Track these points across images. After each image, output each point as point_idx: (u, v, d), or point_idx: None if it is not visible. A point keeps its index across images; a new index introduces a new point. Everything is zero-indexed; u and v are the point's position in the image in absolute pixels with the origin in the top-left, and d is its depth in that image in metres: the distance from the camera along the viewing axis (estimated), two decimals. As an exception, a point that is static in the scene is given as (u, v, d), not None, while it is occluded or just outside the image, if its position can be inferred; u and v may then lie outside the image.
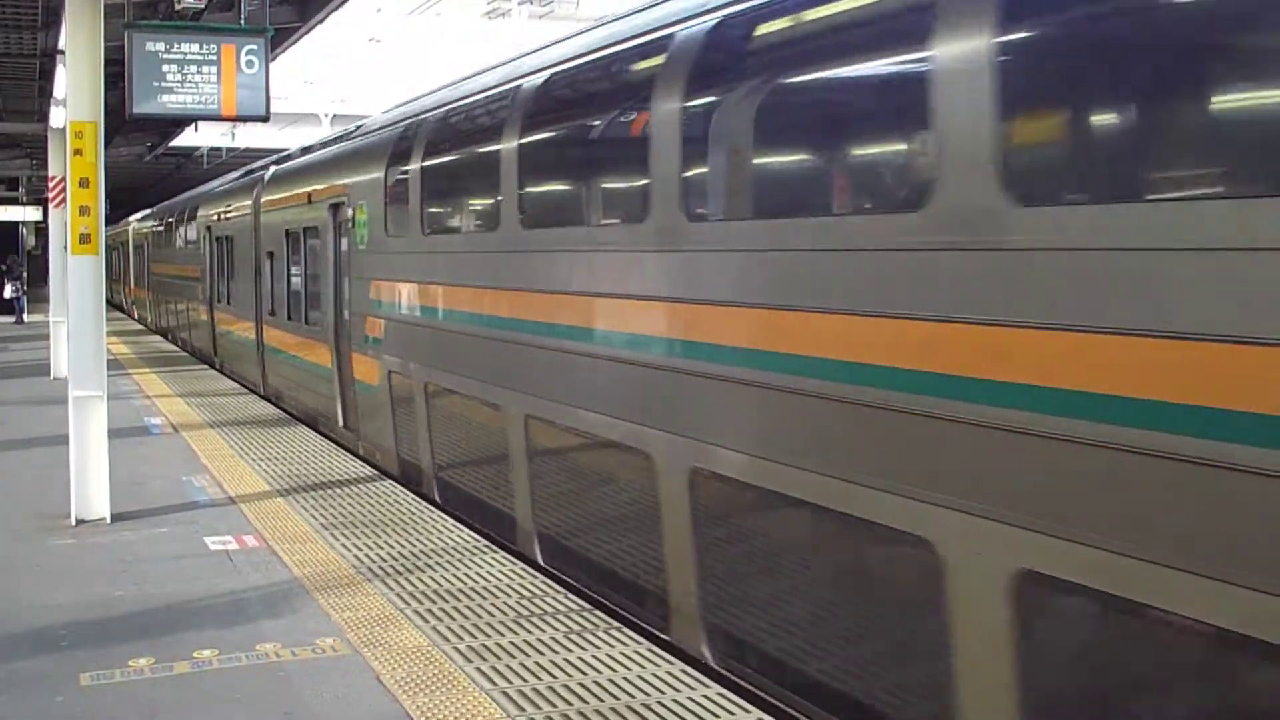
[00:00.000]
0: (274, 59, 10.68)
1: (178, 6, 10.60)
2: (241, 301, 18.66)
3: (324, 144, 15.79)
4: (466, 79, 10.38)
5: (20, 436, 13.15)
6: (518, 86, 8.51)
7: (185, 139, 30.92)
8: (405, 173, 10.50)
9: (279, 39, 14.05)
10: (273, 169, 17.60)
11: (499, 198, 8.46)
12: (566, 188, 8.38)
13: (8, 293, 34.39)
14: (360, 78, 34.00)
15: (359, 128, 13.83)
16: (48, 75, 17.81)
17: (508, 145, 8.35)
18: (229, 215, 19.78)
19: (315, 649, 6.15)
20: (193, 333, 24.44)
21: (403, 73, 31.52)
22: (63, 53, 10.59)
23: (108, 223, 11.73)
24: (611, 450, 7.10)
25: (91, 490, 9.03)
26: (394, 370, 10.88)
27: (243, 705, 5.46)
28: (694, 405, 6.11)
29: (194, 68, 9.53)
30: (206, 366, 21.31)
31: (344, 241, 12.43)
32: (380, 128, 12.27)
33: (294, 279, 15.21)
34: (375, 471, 11.06)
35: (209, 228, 21.51)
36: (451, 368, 9.53)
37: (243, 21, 10.79)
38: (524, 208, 8.16)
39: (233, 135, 34.97)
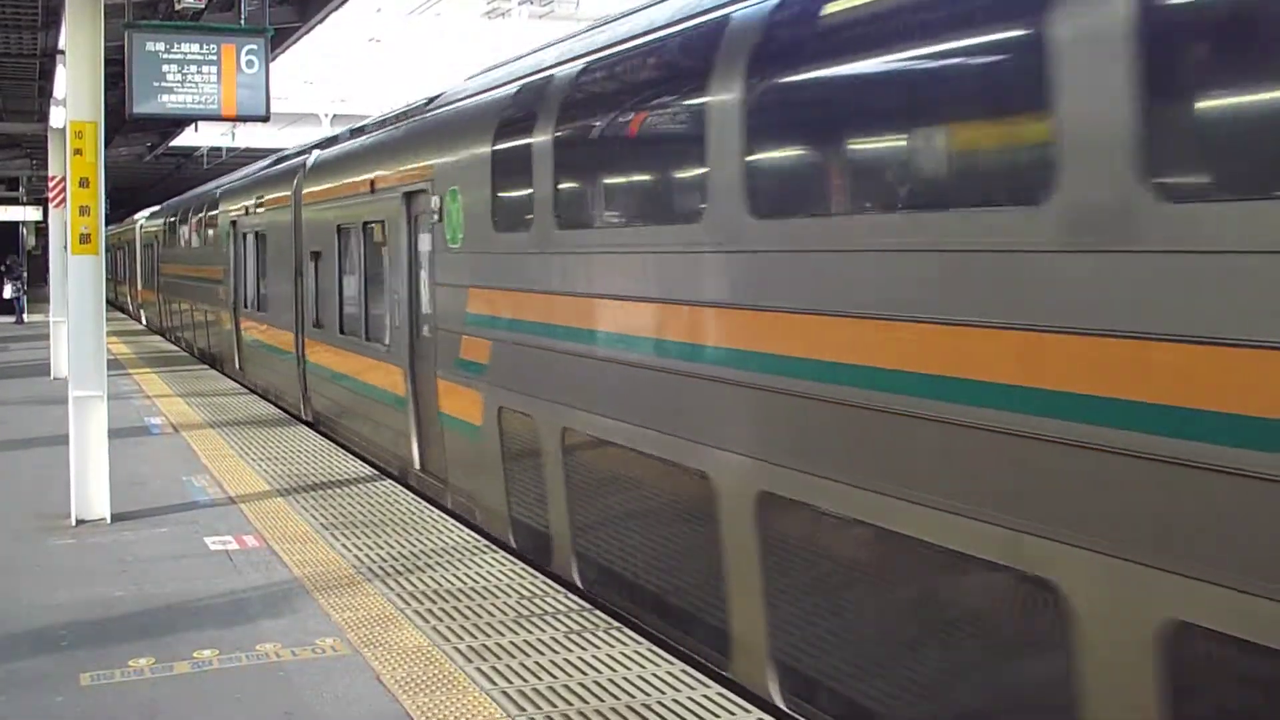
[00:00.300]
0: (274, 59, 10.66)
1: (178, 6, 10.60)
2: (276, 309, 16.11)
3: (382, 122, 12.89)
4: (609, 22, 8.03)
5: (20, 436, 13.15)
6: (726, 18, 5.99)
7: (185, 139, 30.94)
8: (527, 147, 7.93)
9: (279, 39, 14.04)
10: (316, 154, 14.89)
11: (703, 175, 5.94)
12: (857, 157, 5.32)
13: (7, 293, 34.41)
14: (360, 78, 34.01)
15: (437, 98, 11.03)
16: (48, 75, 17.80)
17: (719, 100, 5.78)
18: (260, 209, 17.08)
19: (315, 649, 6.15)
20: (211, 341, 21.81)
21: (403, 72, 31.55)
22: (63, 53, 10.60)
23: (108, 222, 11.67)
24: (944, 559, 4.47)
25: (91, 490, 9.03)
26: (508, 407, 8.36)
27: (243, 705, 5.46)
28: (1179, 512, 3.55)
29: (194, 68, 9.53)
30: (206, 367, 21.22)
31: (424, 239, 10.03)
32: (478, 93, 9.48)
33: (349, 285, 12.69)
34: (375, 471, 11.03)
35: (234, 223, 18.88)
36: (613, 412, 6.89)
37: (243, 21, 10.79)
38: (759, 189, 5.61)
39: (233, 135, 35.01)
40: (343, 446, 12.42)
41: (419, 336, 10.23)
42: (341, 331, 12.89)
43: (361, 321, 12.13)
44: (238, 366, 19.12)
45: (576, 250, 7.38)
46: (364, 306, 12.08)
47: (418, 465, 10.49)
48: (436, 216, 9.54)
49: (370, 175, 11.56)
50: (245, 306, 18.43)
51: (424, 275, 10.10)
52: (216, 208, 20.75)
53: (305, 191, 14.46)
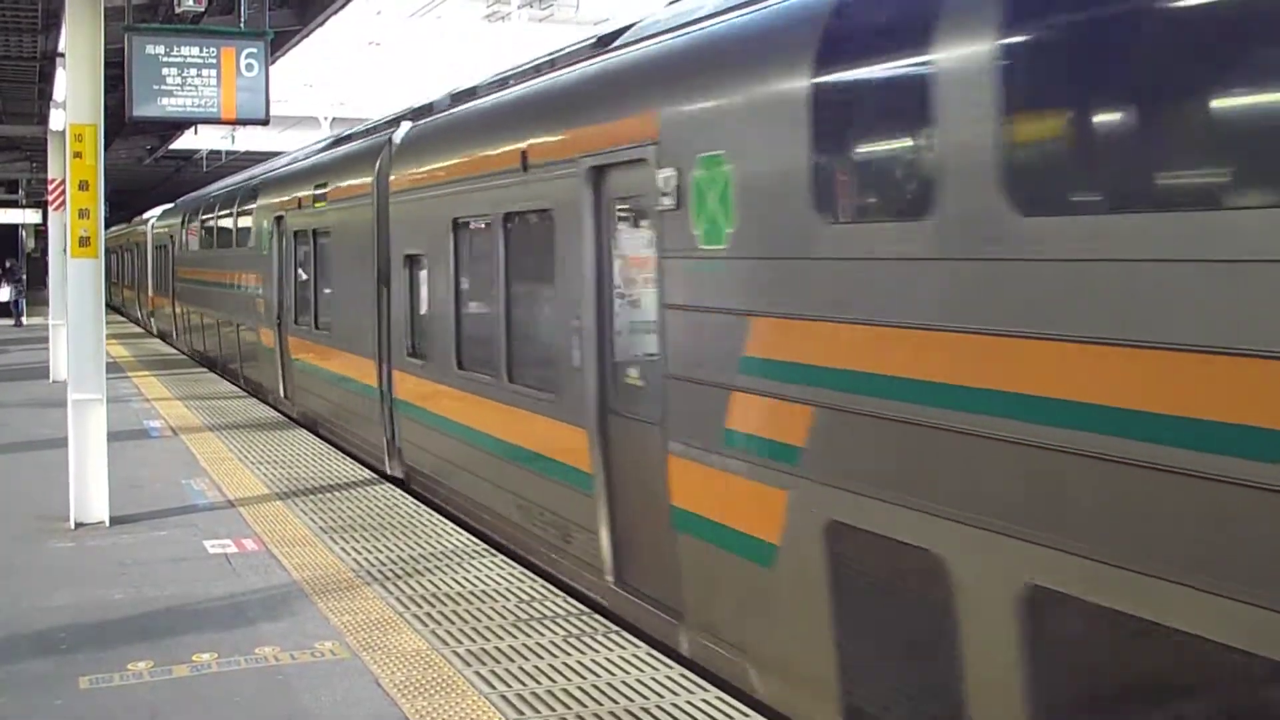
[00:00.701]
0: (273, 62, 10.65)
1: (178, 9, 10.60)
2: (345, 328, 12.64)
3: (519, 74, 9.48)
4: None
5: (20, 439, 13.15)
6: None
7: (185, 142, 31.05)
8: (911, 72, 4.71)
9: (279, 42, 14.06)
10: (408, 127, 11.37)
11: None
12: None
13: (5, 295, 34.42)
14: (360, 80, 34.04)
15: (633, 27, 7.74)
16: (48, 78, 17.82)
17: None
18: (320, 202, 13.60)
19: (314, 652, 6.14)
20: (244, 360, 18.44)
21: (403, 76, 31.57)
22: (63, 55, 10.61)
23: (108, 225, 11.60)
24: None
25: (90, 493, 9.03)
26: (860, 527, 4.87)
27: (242, 708, 5.46)
28: None
29: (194, 71, 9.53)
30: (205, 370, 21.13)
31: (630, 235, 6.95)
32: (740, 6, 6.12)
33: (475, 302, 9.35)
34: (374, 474, 10.99)
35: (279, 220, 15.52)
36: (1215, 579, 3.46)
37: (242, 25, 10.79)
38: None
39: (232, 138, 35.10)
40: (459, 522, 9.21)
41: (618, 384, 6.99)
42: (461, 366, 9.36)
43: (500, 355, 8.50)
44: (283, 394, 15.69)
45: (1097, 253, 3.82)
46: (505, 333, 8.49)
47: (611, 575, 7.04)
48: (670, 201, 6.10)
49: (518, 144, 8.11)
50: (295, 322, 14.92)
51: (632, 290, 6.93)
52: (254, 201, 17.38)
53: (395, 176, 10.95)
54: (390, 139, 11.43)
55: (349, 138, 14.43)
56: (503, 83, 9.64)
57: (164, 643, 6.32)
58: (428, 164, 10.25)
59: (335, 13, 13.93)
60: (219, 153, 36.86)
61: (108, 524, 8.99)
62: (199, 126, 26.00)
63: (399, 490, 10.21)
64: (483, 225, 8.99)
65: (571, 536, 7.54)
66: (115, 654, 6.14)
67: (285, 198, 15.40)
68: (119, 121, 16.49)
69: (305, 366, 14.63)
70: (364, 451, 12.09)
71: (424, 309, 10.31)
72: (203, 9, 10.85)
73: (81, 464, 9.02)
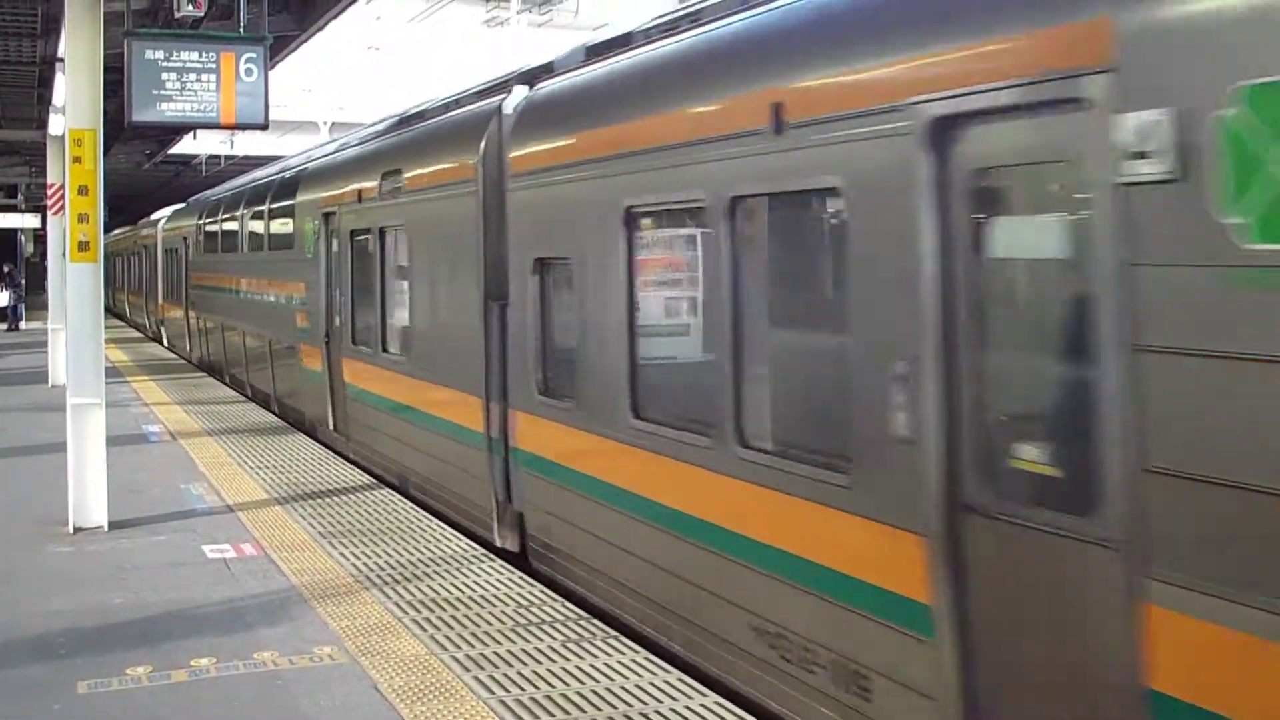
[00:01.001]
0: (273, 67, 10.66)
1: (177, 14, 10.61)
2: (427, 354, 10.14)
3: (683, 16, 7.19)
4: None
5: (19, 444, 13.15)
6: None
7: (184, 146, 31.07)
8: None
9: (278, 47, 14.09)
10: (524, 94, 8.70)
11: None
12: None
13: (4, 300, 34.46)
14: (359, 85, 34.09)
15: None
16: (47, 82, 17.85)
17: None
18: (391, 194, 10.90)
19: (313, 657, 6.14)
20: (278, 382, 15.92)
21: (402, 80, 31.61)
22: (62, 60, 10.61)
23: (107, 229, 11.59)
24: None
25: (89, 498, 9.02)
26: None
27: (240, 713, 5.46)
28: None
29: (193, 76, 9.53)
30: (204, 374, 21.06)
31: (1029, 229, 4.51)
32: None
33: (660, 327, 7.03)
34: (373, 479, 11.00)
35: (329, 217, 12.96)
36: None
37: (241, 30, 10.79)
38: None
39: (231, 143, 35.17)
40: (623, 629, 6.74)
41: (992, 468, 4.42)
42: (638, 415, 6.72)
43: (724, 407, 5.84)
44: (332, 426, 13.09)
45: None
46: (731, 376, 5.82)
47: None
48: (1157, 166, 3.61)
49: (763, 92, 5.51)
50: (353, 342, 12.26)
51: (1025, 319, 4.60)
52: (293, 196, 14.76)
53: (517, 154, 8.36)
54: (499, 109, 8.77)
55: (422, 115, 11.46)
56: (672, 27, 7.10)
57: (162, 647, 6.31)
58: (574, 134, 7.63)
59: (334, 17, 13.98)
60: (218, 157, 36.98)
61: (106, 529, 8.99)
62: (198, 131, 25.99)
63: (396, 495, 10.16)
64: (685, 215, 6.50)
65: (874, 694, 4.91)
66: (113, 659, 6.13)
67: (337, 191, 12.70)
68: (118, 126, 16.50)
69: (365, 397, 11.93)
70: (452, 508, 9.59)
71: (569, 333, 7.72)
72: (202, 14, 10.86)
73: (80, 469, 9.01)
